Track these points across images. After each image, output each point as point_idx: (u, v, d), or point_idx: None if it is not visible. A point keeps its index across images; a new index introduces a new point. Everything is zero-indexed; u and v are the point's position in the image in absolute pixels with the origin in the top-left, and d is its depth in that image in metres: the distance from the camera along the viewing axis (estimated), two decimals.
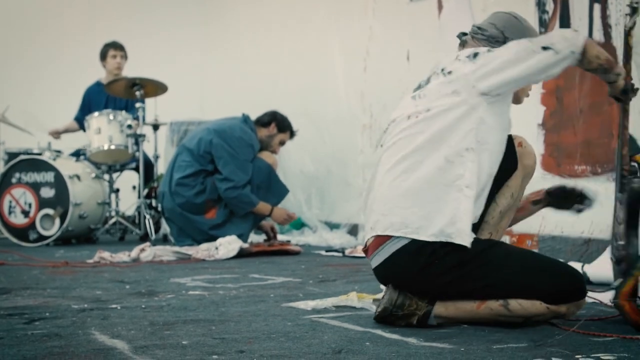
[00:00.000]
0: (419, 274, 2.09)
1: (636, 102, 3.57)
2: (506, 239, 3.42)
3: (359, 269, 3.76)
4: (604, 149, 3.72)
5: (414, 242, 2.07)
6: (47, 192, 5.54)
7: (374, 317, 2.20)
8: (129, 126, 5.66)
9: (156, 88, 5.86)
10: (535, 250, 2.22)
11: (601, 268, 2.86)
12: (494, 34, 2.26)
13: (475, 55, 2.13)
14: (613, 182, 3.62)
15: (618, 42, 3.63)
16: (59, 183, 5.51)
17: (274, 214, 4.82)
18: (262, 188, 4.79)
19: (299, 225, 5.96)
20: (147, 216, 5.64)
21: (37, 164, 5.58)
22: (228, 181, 4.64)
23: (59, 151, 5.92)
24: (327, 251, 4.74)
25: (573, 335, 1.96)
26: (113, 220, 5.88)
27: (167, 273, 3.58)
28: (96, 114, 5.79)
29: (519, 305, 2.07)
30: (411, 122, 2.16)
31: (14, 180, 5.57)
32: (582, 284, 2.12)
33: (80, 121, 6.30)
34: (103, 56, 6.38)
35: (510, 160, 2.21)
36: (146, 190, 5.90)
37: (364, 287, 2.92)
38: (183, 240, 4.76)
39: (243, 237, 4.63)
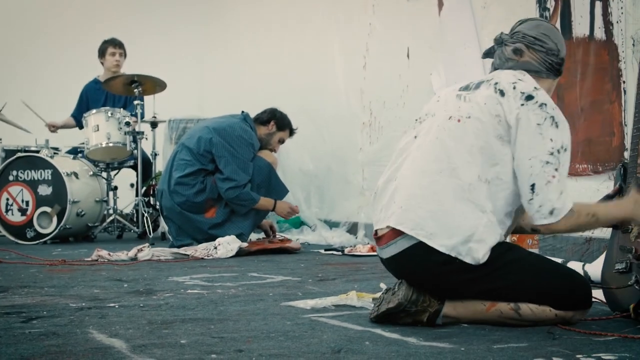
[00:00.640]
0: (430, 273, 2.08)
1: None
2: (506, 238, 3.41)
3: (358, 267, 3.75)
4: (605, 147, 3.71)
5: (426, 244, 2.05)
6: (45, 190, 5.52)
7: (378, 314, 2.14)
8: (127, 123, 5.65)
9: (155, 85, 5.85)
10: (549, 257, 2.22)
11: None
12: (552, 48, 2.22)
13: (529, 98, 2.05)
14: (613, 180, 3.62)
15: (619, 39, 3.61)
16: (57, 181, 5.50)
17: (277, 208, 4.81)
18: (263, 187, 4.78)
19: (298, 223, 5.96)
20: (145, 214, 5.63)
21: (34, 162, 5.56)
22: (230, 181, 4.62)
23: (56, 149, 5.91)
24: (326, 250, 4.73)
25: (574, 335, 1.95)
26: (111, 218, 5.87)
27: (166, 272, 3.57)
28: (94, 111, 5.78)
29: (530, 310, 2.07)
30: (451, 124, 2.11)
31: (11, 177, 5.56)
32: (590, 292, 2.12)
33: (77, 118, 6.29)
34: (102, 53, 6.36)
35: None
36: (144, 188, 5.89)
37: (363, 286, 2.91)
38: (182, 239, 4.74)
39: (243, 236, 4.62)
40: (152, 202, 5.92)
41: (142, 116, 5.76)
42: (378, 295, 2.55)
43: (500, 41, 2.26)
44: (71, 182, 5.50)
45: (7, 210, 5.54)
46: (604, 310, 2.31)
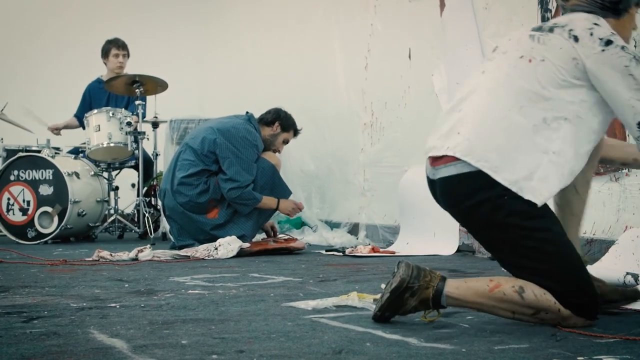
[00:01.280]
0: (475, 205, 2.09)
1: None
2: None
3: (359, 268, 3.74)
4: None
5: (488, 175, 2.06)
6: (46, 190, 5.53)
7: (382, 304, 2.13)
8: (129, 123, 5.65)
9: (156, 85, 5.85)
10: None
11: (603, 269, 2.85)
12: None
13: (608, 43, 2.08)
14: (615, 181, 3.62)
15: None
16: (58, 180, 5.50)
17: (280, 206, 4.80)
18: (266, 189, 4.77)
19: (299, 224, 5.95)
20: (146, 214, 5.63)
21: (35, 161, 5.57)
22: (232, 181, 4.62)
23: (57, 148, 5.91)
24: (327, 250, 4.73)
25: (575, 337, 1.95)
26: (112, 218, 5.87)
27: (167, 272, 3.57)
28: (95, 111, 5.79)
29: (534, 296, 2.05)
30: (522, 63, 2.13)
31: (12, 177, 5.56)
32: (598, 309, 2.11)
33: (80, 118, 6.29)
34: (105, 54, 6.35)
35: None
36: (145, 189, 5.89)
37: (364, 287, 2.91)
38: (183, 239, 4.74)
39: (245, 238, 4.61)
40: (153, 202, 5.92)
41: (144, 116, 5.77)
42: (379, 296, 2.56)
43: None
44: (72, 182, 5.50)
45: (8, 210, 5.54)
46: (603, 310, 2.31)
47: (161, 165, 5.96)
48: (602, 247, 3.49)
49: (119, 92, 5.96)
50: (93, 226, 5.76)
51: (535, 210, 2.06)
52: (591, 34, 2.10)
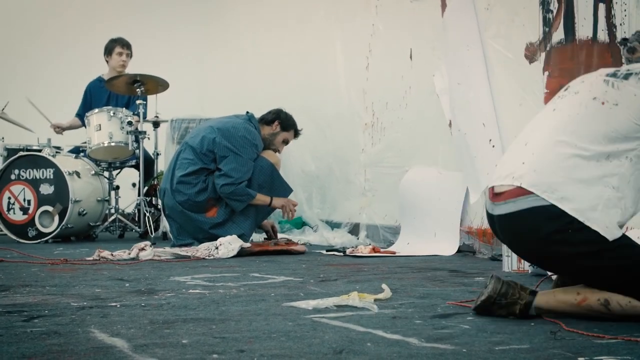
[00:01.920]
0: (542, 237, 2.15)
1: None
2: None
3: (360, 268, 3.74)
4: None
5: (555, 207, 2.12)
6: (47, 189, 5.53)
7: (474, 308, 2.28)
8: (129, 123, 5.65)
9: (157, 85, 5.85)
10: None
11: None
12: None
13: None
14: None
15: None
16: (59, 180, 5.50)
17: (274, 202, 4.80)
18: (265, 187, 4.78)
19: (300, 224, 5.95)
20: (147, 214, 5.62)
21: (36, 161, 5.57)
22: (226, 177, 4.62)
23: (58, 148, 5.91)
24: (328, 250, 4.72)
25: (576, 337, 1.95)
26: (113, 217, 5.87)
27: (167, 271, 3.57)
28: (96, 110, 5.78)
29: (620, 306, 2.12)
30: (596, 105, 2.20)
31: (13, 176, 5.56)
32: None
33: (82, 117, 6.29)
34: (108, 52, 6.34)
35: None
36: (146, 188, 5.89)
37: (365, 287, 2.91)
38: (183, 238, 4.75)
39: (244, 237, 4.62)
40: (154, 202, 5.92)
41: (144, 116, 5.77)
42: (380, 296, 2.56)
43: (623, 42, 2.42)
44: (73, 181, 5.50)
45: (9, 209, 5.54)
46: None
47: (162, 165, 5.96)
48: None
49: (120, 91, 5.96)
50: (94, 225, 5.76)
51: (599, 237, 2.11)
52: None
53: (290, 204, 4.88)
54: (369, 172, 5.65)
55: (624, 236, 2.16)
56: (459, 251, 4.51)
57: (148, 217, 5.60)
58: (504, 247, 3.58)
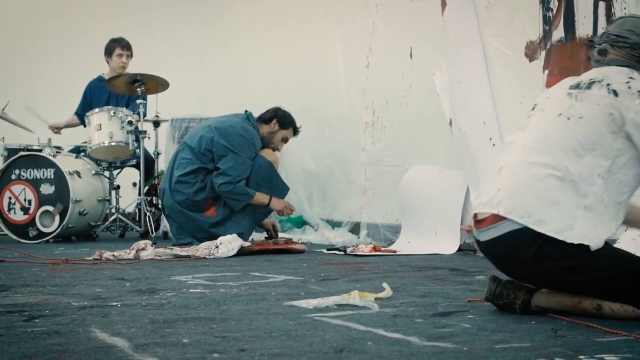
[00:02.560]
0: (527, 258, 2.17)
1: None
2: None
3: (360, 267, 3.74)
4: None
5: (533, 230, 2.14)
6: (47, 189, 5.53)
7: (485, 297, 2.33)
8: (130, 122, 5.65)
9: (157, 84, 5.85)
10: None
11: None
12: (637, 42, 2.29)
13: None
14: None
15: None
16: (59, 180, 5.50)
17: (272, 203, 4.80)
18: (264, 186, 4.78)
19: (301, 223, 5.95)
20: (148, 213, 5.63)
21: (37, 161, 5.57)
22: (224, 176, 4.63)
23: (59, 147, 5.91)
24: (328, 249, 4.73)
25: (577, 335, 1.95)
26: (113, 217, 5.87)
27: (168, 271, 3.57)
28: (97, 110, 5.79)
29: (611, 310, 2.15)
30: (561, 120, 2.21)
31: (13, 176, 5.57)
32: None
33: (80, 116, 6.29)
34: (109, 52, 6.34)
35: None
36: (147, 187, 5.89)
37: (365, 286, 2.91)
38: (182, 237, 4.75)
39: (243, 235, 4.62)
40: (154, 201, 5.92)
41: (145, 115, 5.77)
42: (380, 294, 2.56)
43: (590, 45, 2.38)
44: (73, 181, 5.50)
45: (9, 209, 5.54)
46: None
47: (162, 164, 5.96)
48: None
49: (120, 91, 5.96)
50: (94, 225, 5.76)
51: (578, 250, 2.13)
52: (629, 87, 2.17)
53: (289, 208, 4.88)
54: (369, 171, 5.65)
55: (605, 246, 2.16)
56: (459, 250, 4.51)
57: (149, 217, 5.60)
58: None
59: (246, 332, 2.01)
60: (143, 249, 4.18)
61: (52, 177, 5.53)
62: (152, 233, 5.49)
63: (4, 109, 5.99)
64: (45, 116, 6.30)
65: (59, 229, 5.44)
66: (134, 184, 6.15)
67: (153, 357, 1.73)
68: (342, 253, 4.52)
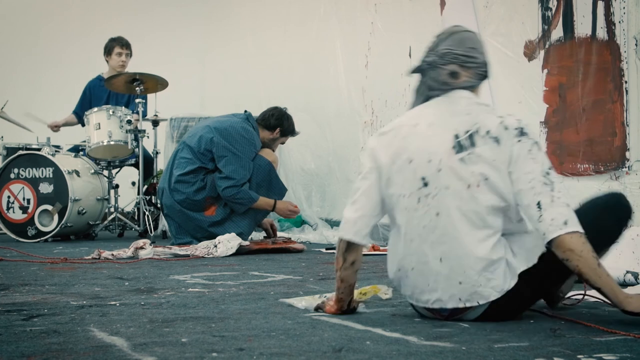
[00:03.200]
0: (509, 310, 2.16)
1: (637, 99, 3.56)
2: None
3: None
4: (607, 147, 3.70)
5: (492, 300, 2.10)
6: (46, 188, 5.53)
7: None
8: (129, 122, 5.65)
9: (156, 84, 5.85)
10: None
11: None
12: (482, 61, 2.22)
13: (522, 133, 2.08)
14: (616, 180, 3.62)
15: (621, 39, 3.61)
16: (58, 179, 5.50)
17: (277, 208, 4.80)
18: (263, 186, 4.78)
19: (300, 222, 5.95)
20: (147, 212, 5.63)
21: (35, 160, 5.57)
22: (229, 179, 4.62)
23: (58, 146, 5.91)
24: (327, 249, 4.73)
25: (575, 335, 1.95)
26: (112, 216, 5.87)
27: (167, 270, 3.57)
28: (96, 109, 5.78)
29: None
30: (473, 191, 2.08)
31: (12, 175, 5.56)
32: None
33: (79, 115, 6.29)
34: (108, 51, 6.34)
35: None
36: (145, 187, 5.89)
37: (364, 285, 2.90)
38: (182, 237, 4.75)
39: (243, 235, 4.62)
40: (153, 201, 5.92)
41: (144, 114, 5.76)
42: (380, 294, 2.55)
43: (433, 64, 2.18)
44: (72, 180, 5.50)
45: (8, 208, 5.54)
46: (609, 311, 2.31)
47: (161, 164, 5.96)
48: None
49: (120, 90, 5.96)
50: (93, 224, 5.76)
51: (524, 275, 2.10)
52: (506, 128, 2.08)
53: (294, 213, 4.89)
54: None
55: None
56: None
57: (147, 216, 5.60)
58: None
59: (245, 332, 2.01)
60: (142, 248, 4.18)
61: (51, 176, 5.53)
62: (151, 232, 5.50)
63: (2, 107, 5.98)
64: (45, 116, 6.30)
65: (58, 228, 5.44)
66: (133, 183, 6.15)
67: (152, 356, 1.73)
68: None
